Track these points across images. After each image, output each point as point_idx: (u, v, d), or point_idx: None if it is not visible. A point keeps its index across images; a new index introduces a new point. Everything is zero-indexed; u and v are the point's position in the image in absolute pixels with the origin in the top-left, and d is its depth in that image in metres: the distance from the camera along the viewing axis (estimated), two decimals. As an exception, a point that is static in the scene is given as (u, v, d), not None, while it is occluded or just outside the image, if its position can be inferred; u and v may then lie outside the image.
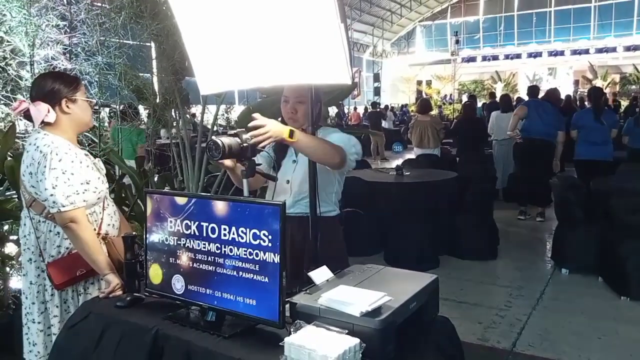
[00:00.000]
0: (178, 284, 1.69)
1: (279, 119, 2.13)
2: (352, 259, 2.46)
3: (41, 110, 1.95)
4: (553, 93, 6.81)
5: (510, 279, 4.53)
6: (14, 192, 3.01)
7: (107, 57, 3.56)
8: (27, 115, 2.00)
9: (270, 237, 1.47)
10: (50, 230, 2.02)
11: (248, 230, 1.51)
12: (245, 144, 1.79)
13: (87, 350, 1.68)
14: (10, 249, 3.08)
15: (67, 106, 2.02)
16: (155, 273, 1.76)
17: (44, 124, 1.99)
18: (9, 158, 2.94)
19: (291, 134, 1.77)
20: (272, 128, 1.74)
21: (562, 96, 12.11)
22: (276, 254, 1.46)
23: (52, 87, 1.99)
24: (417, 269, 1.76)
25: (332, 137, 2.02)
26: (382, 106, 21.12)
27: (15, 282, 3.02)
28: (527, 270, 4.72)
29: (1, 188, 3.17)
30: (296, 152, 2.18)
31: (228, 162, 1.91)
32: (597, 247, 4.28)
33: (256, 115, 1.77)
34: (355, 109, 20.01)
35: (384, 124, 17.35)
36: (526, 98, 7.26)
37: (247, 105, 3.50)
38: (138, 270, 1.85)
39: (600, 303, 3.88)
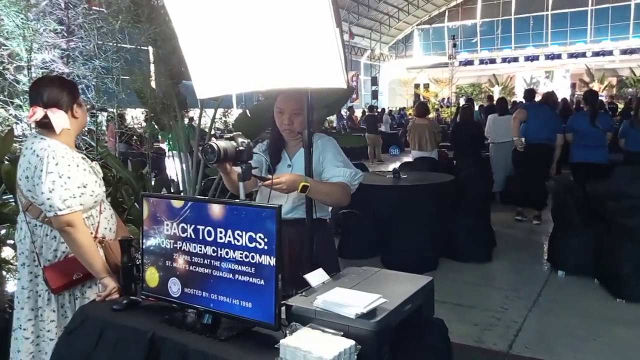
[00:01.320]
0: (174, 287, 1.69)
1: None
2: (349, 261, 2.48)
3: (62, 118, 1.97)
4: (550, 96, 6.83)
5: (507, 281, 4.55)
6: (11, 196, 3.01)
7: (105, 61, 3.57)
8: (41, 123, 1.98)
9: (266, 240, 1.47)
10: (46, 234, 2.02)
11: (244, 233, 1.51)
12: (241, 148, 1.81)
13: (84, 354, 1.69)
14: (7, 252, 3.08)
15: (76, 111, 2.04)
16: (151, 276, 1.76)
17: (41, 128, 2.00)
18: (5, 162, 2.95)
19: (304, 188, 1.91)
20: (288, 184, 1.89)
21: (559, 99, 12.17)
22: (272, 257, 1.46)
23: (64, 93, 1.99)
24: (414, 272, 1.77)
25: (335, 172, 2.11)
26: (379, 109, 21.19)
27: (12, 286, 3.01)
28: (524, 272, 4.73)
29: (-2, 192, 3.17)
30: (290, 157, 2.21)
31: (224, 166, 1.93)
32: (593, 250, 4.30)
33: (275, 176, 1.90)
34: (353, 112, 20.01)
35: (381, 127, 17.41)
36: (523, 102, 7.28)
37: (244, 109, 3.51)
38: (134, 273, 1.85)
39: (596, 305, 3.89)
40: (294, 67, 1.68)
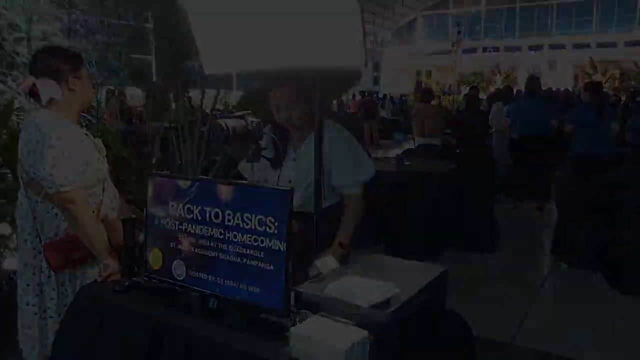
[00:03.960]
0: (179, 269, 1.64)
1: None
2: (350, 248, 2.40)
3: (49, 87, 1.88)
4: (531, 83, 6.47)
5: (510, 271, 4.50)
6: (8, 170, 2.94)
7: (107, 35, 3.48)
8: (32, 92, 1.91)
9: (276, 223, 1.41)
10: (47, 212, 1.95)
11: (253, 216, 1.45)
12: (250, 127, 1.74)
13: (88, 337, 1.64)
14: (3, 229, 3.02)
15: (74, 83, 1.95)
16: (155, 258, 1.70)
17: (47, 102, 1.92)
18: (4, 136, 2.87)
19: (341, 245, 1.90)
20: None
21: (562, 90, 12.08)
22: (282, 242, 1.41)
23: (58, 63, 1.91)
24: (416, 260, 1.72)
25: (347, 181, 2.13)
26: (380, 95, 21.01)
27: (10, 263, 2.96)
28: (527, 263, 4.69)
29: (-4, 167, 3.10)
30: (295, 150, 2.13)
31: None
32: (598, 242, 4.26)
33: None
34: (354, 96, 19.87)
35: (383, 113, 17.29)
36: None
37: (253, 88, 3.43)
38: (137, 254, 1.80)
39: (599, 298, 3.85)
40: (311, 44, 1.60)
